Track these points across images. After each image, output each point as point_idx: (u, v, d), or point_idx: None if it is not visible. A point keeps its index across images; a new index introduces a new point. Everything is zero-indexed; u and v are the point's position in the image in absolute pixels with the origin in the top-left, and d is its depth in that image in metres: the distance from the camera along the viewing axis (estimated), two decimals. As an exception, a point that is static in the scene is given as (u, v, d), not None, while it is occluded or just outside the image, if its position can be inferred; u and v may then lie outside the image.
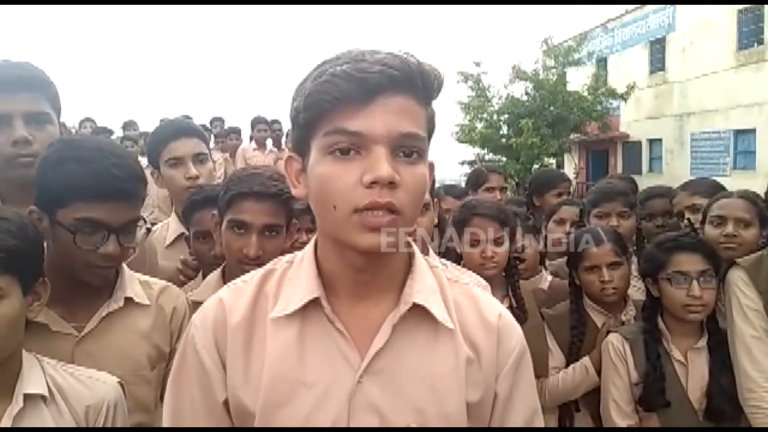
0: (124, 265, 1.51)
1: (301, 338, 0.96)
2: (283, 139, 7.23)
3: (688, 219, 2.50)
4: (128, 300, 1.45)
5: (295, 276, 1.00)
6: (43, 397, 1.20)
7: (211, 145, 5.77)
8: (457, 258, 2.16)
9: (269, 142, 7.31)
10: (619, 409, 2.00)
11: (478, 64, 18.86)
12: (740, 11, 16.66)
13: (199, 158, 2.25)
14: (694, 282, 1.92)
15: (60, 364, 1.28)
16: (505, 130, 19.07)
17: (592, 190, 2.78)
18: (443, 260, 1.96)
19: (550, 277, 2.55)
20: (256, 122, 7.20)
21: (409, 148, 0.89)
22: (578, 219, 2.81)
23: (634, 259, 2.45)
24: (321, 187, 0.89)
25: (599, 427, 2.12)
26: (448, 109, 19.63)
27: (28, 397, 1.18)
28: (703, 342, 2.00)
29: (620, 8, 22.26)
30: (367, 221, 0.86)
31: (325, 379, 0.94)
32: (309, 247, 1.02)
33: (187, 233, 2.12)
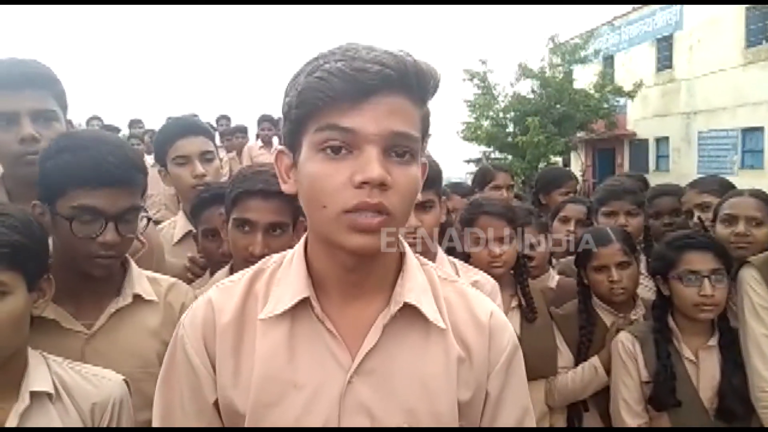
0: (132, 262, 1.51)
1: (291, 338, 0.95)
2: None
3: (699, 217, 2.47)
4: (136, 297, 1.45)
5: (284, 276, 0.99)
6: (49, 395, 1.20)
7: (217, 143, 5.76)
8: (465, 257, 2.15)
9: (275, 140, 7.31)
10: (629, 408, 1.98)
11: (484, 62, 18.81)
12: (748, 8, 16.56)
13: (206, 156, 2.24)
14: (706, 281, 1.90)
15: (65, 362, 1.28)
16: (511, 128, 19.02)
17: (600, 188, 2.75)
18: (452, 258, 1.96)
19: (557, 276, 2.54)
20: (262, 120, 7.21)
21: (402, 149, 0.88)
22: (584, 217, 2.80)
23: (643, 257, 2.43)
24: (311, 185, 0.88)
25: (609, 426, 2.10)
26: (454, 107, 19.62)
27: (34, 395, 1.18)
28: (714, 341, 1.98)
29: (627, 6, 22.20)
30: (357, 222, 0.85)
31: (315, 379, 0.93)
32: (299, 247, 1.01)
33: (194, 231, 2.12)
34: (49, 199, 1.35)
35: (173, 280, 1.60)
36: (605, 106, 18.78)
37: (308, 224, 0.98)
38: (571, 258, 2.49)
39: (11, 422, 1.14)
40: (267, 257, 1.07)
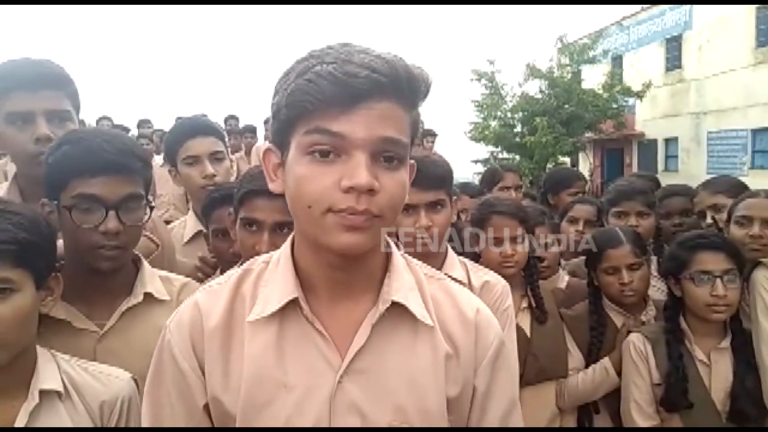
0: (145, 262, 1.52)
1: (280, 340, 0.95)
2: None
3: (714, 218, 2.45)
4: (148, 296, 1.45)
5: (272, 277, 0.99)
6: (58, 393, 1.20)
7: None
8: (474, 256, 2.14)
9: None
10: (640, 409, 1.97)
11: (492, 62, 18.79)
12: (759, 8, 16.45)
13: (216, 156, 2.25)
14: (718, 281, 1.89)
15: (74, 360, 1.28)
16: (519, 128, 18.99)
17: (611, 188, 2.73)
18: (462, 258, 1.95)
19: (567, 277, 2.53)
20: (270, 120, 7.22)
21: (391, 154, 0.88)
22: (593, 218, 2.78)
23: (654, 258, 2.42)
24: (298, 186, 0.88)
25: (619, 427, 2.09)
26: (462, 107, 19.62)
27: (43, 393, 1.18)
28: (726, 342, 1.96)
29: (636, 6, 22.11)
30: (344, 220, 0.86)
31: (305, 380, 0.93)
32: (285, 247, 1.01)
33: (204, 231, 2.13)
34: (54, 195, 1.36)
35: (186, 279, 1.60)
36: (614, 106, 18.73)
37: (295, 225, 0.98)
38: (581, 259, 2.48)
39: (21, 420, 1.14)
40: (254, 258, 1.06)
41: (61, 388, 1.20)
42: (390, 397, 0.94)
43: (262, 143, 7.30)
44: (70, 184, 1.34)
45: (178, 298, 1.51)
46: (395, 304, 0.96)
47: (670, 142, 20.71)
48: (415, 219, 1.78)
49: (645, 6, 21.66)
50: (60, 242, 1.36)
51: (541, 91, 18.90)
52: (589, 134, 19.82)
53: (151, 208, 1.48)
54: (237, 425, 0.93)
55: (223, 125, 8.10)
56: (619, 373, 2.07)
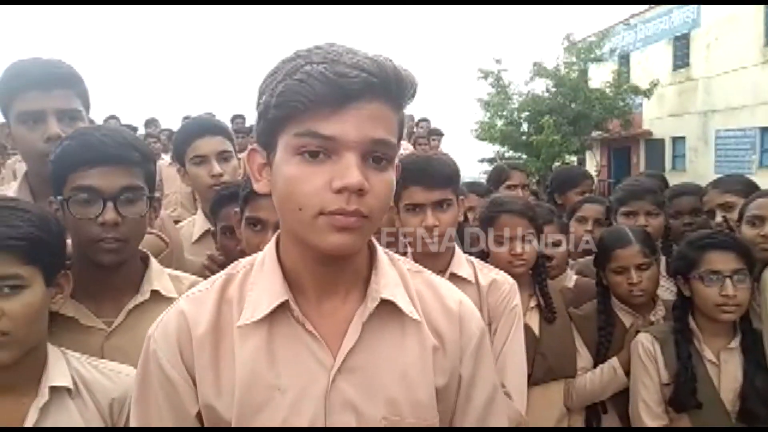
0: (153, 260, 1.52)
1: (271, 343, 0.95)
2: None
3: (724, 217, 2.44)
4: (156, 294, 1.45)
5: (258, 280, 0.99)
6: (68, 390, 1.21)
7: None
8: (481, 255, 2.14)
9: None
10: (648, 409, 1.97)
11: (498, 61, 18.77)
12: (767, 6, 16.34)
13: (224, 156, 2.26)
14: (728, 281, 1.88)
15: (84, 357, 1.29)
16: (525, 127, 18.94)
17: (619, 187, 2.72)
18: (470, 257, 1.95)
19: (575, 276, 2.52)
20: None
21: (379, 155, 0.89)
22: (602, 217, 2.77)
23: (663, 258, 2.41)
24: (287, 187, 0.88)
25: (628, 427, 2.09)
26: (468, 106, 19.61)
27: (53, 390, 1.19)
28: (736, 342, 1.95)
29: (643, 4, 22.00)
30: (334, 221, 0.86)
31: (298, 382, 0.94)
32: (270, 249, 1.01)
33: (213, 229, 2.14)
34: (58, 192, 1.37)
35: (196, 278, 1.60)
36: (621, 105, 18.65)
37: (281, 225, 0.98)
38: (589, 258, 2.48)
39: (31, 417, 1.15)
40: (237, 261, 1.06)
41: (71, 385, 1.21)
42: (382, 392, 0.96)
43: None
44: (69, 178, 1.35)
45: None
46: (383, 301, 0.97)
47: (678, 141, 20.60)
48: (421, 218, 1.79)
49: (652, 4, 21.56)
50: (69, 241, 1.36)
51: (547, 90, 18.85)
52: (595, 133, 19.74)
53: (150, 200, 1.46)
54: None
55: (230, 125, 8.12)
56: (627, 373, 2.06)
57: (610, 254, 2.19)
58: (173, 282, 1.51)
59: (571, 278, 2.49)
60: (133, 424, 0.99)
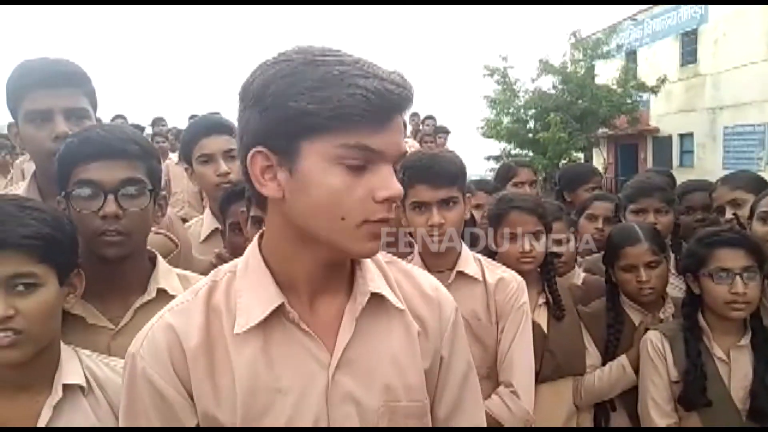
0: (161, 259, 1.53)
1: (267, 347, 0.95)
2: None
3: (734, 214, 2.42)
4: (163, 293, 1.45)
5: (245, 285, 0.98)
6: (81, 388, 1.22)
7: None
8: (489, 253, 2.13)
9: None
10: (657, 407, 1.95)
11: (504, 58, 18.69)
12: (776, 2, 16.21)
13: (230, 154, 2.26)
14: (737, 278, 1.86)
15: (96, 355, 1.30)
16: (531, 124, 18.89)
17: (628, 185, 2.70)
18: (477, 255, 1.95)
19: (583, 274, 2.51)
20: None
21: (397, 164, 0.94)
22: (612, 215, 2.76)
23: (672, 255, 2.39)
24: (329, 197, 0.89)
25: (637, 426, 2.08)
26: (474, 103, 19.57)
27: (67, 388, 1.20)
28: (746, 340, 1.94)
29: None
30: (375, 230, 0.92)
31: (299, 382, 0.95)
32: (253, 253, 1.01)
33: (221, 227, 2.15)
34: (63, 189, 1.39)
35: (205, 278, 1.61)
36: (628, 101, 18.58)
37: (292, 230, 0.95)
38: (598, 255, 2.46)
39: (45, 415, 1.16)
40: (217, 269, 1.06)
41: (84, 383, 1.22)
42: (378, 380, 0.99)
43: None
44: (71, 174, 1.37)
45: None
46: (371, 294, 1.01)
47: (685, 137, 20.48)
48: (427, 217, 1.79)
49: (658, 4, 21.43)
50: None
51: (554, 87, 18.78)
52: (602, 130, 19.67)
53: (154, 195, 1.46)
54: None
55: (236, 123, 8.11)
56: (636, 371, 2.05)
57: (619, 252, 2.18)
58: (181, 281, 1.51)
59: (579, 276, 2.48)
60: None
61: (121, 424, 0.98)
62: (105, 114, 7.24)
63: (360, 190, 0.89)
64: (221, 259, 2.08)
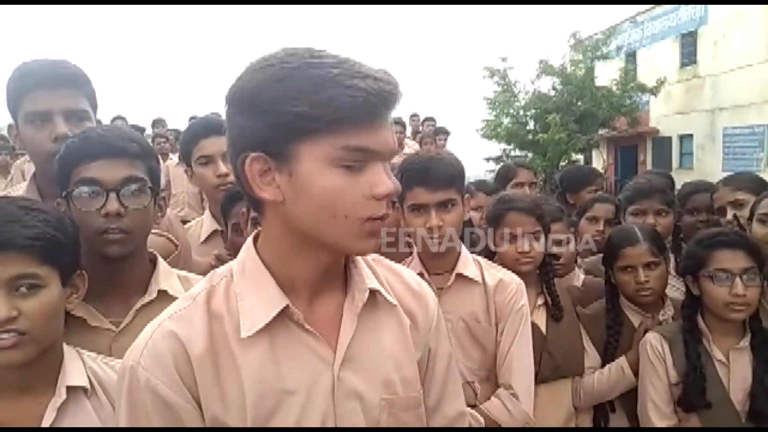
0: (161, 260, 1.53)
1: (273, 349, 0.96)
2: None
3: (735, 215, 2.42)
4: (164, 293, 1.45)
5: (245, 289, 0.98)
6: (84, 390, 1.22)
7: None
8: (488, 254, 2.13)
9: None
10: (657, 409, 1.95)
11: (504, 59, 18.69)
12: (776, 2, 16.22)
13: None
14: (737, 280, 1.86)
15: (99, 357, 1.30)
16: (531, 125, 18.88)
17: (628, 186, 2.71)
18: (476, 256, 1.94)
19: (582, 275, 2.51)
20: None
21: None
22: (613, 216, 2.76)
23: (672, 257, 2.39)
24: (330, 198, 0.90)
25: (636, 427, 2.08)
26: (474, 104, 19.59)
27: (70, 390, 1.20)
28: (745, 342, 1.94)
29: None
30: (374, 228, 0.93)
31: (305, 382, 0.97)
32: (249, 255, 1.01)
33: (221, 229, 2.15)
34: (64, 189, 1.39)
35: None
36: (627, 102, 18.56)
37: (290, 232, 0.96)
38: (598, 257, 2.46)
39: (49, 416, 1.16)
40: (213, 272, 1.06)
41: (87, 385, 1.22)
42: (379, 375, 1.02)
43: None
44: (72, 174, 1.37)
45: None
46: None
47: (685, 139, 20.49)
48: (425, 219, 1.78)
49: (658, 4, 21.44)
50: None
51: (553, 88, 18.77)
52: (602, 131, 19.66)
53: (154, 193, 1.47)
54: None
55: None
56: (635, 373, 2.05)
57: (617, 253, 2.18)
58: (182, 282, 1.51)
59: (579, 277, 2.48)
60: None
61: None
62: (105, 115, 7.25)
63: (359, 188, 0.90)
64: (220, 261, 2.08)
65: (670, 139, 21.06)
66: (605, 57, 18.71)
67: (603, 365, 2.15)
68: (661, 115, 21.09)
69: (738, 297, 1.86)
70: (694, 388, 1.88)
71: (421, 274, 1.73)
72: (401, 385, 1.04)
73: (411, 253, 1.98)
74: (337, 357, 0.98)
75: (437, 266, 1.87)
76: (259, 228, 1.03)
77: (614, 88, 18.40)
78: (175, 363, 0.93)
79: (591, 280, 2.45)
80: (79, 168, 1.37)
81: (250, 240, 1.04)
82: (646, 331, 2.07)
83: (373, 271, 1.09)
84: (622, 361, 2.10)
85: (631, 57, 22.26)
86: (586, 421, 2.20)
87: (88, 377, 1.24)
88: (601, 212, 2.80)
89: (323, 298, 1.02)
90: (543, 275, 2.14)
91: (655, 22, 21.56)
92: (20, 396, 1.19)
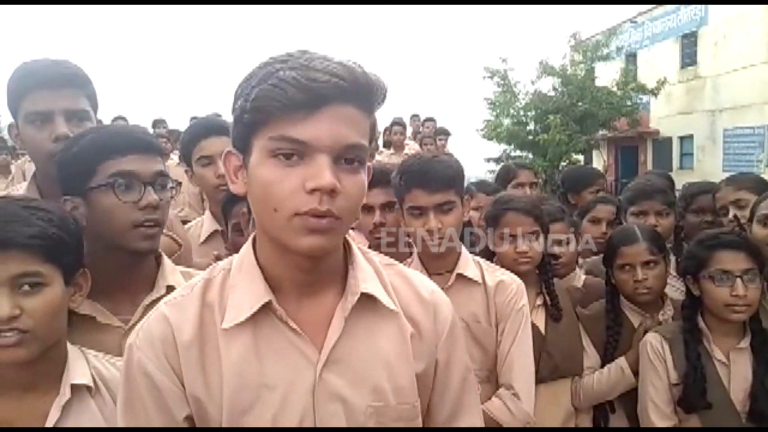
0: (165, 257, 1.54)
1: (256, 343, 0.97)
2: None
3: (735, 216, 2.42)
4: (170, 289, 1.46)
5: (237, 282, 1.01)
6: (88, 388, 1.23)
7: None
8: (488, 255, 2.13)
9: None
10: (657, 409, 1.95)
11: (504, 60, 18.69)
12: (776, 3, 16.21)
13: None
14: (738, 281, 1.86)
15: (102, 356, 1.31)
16: (531, 126, 18.87)
17: (629, 187, 2.71)
18: (477, 257, 1.94)
19: (584, 276, 2.51)
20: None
21: (351, 157, 0.92)
22: (614, 217, 2.76)
23: (673, 257, 2.39)
24: (263, 189, 0.91)
25: (636, 427, 2.07)
26: (474, 105, 19.59)
27: (74, 388, 1.21)
28: (745, 342, 1.94)
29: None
30: (308, 223, 0.89)
31: (285, 378, 0.97)
32: (246, 251, 1.04)
33: (221, 229, 2.15)
34: (79, 184, 1.38)
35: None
36: (628, 103, 18.56)
37: (258, 227, 1.00)
38: (598, 257, 2.46)
39: (53, 415, 1.17)
40: (214, 265, 1.08)
41: (91, 383, 1.23)
42: (367, 380, 1.00)
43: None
44: (101, 167, 1.37)
45: None
46: (362, 295, 1.01)
47: (685, 139, 20.49)
48: (424, 221, 1.78)
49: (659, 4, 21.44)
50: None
51: (554, 89, 18.76)
52: (602, 132, 19.66)
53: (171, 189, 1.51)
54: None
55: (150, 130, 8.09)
56: (635, 373, 2.05)
57: (616, 251, 2.19)
58: (185, 278, 1.52)
59: (580, 278, 2.48)
60: None
61: (118, 412, 1.00)
62: (105, 115, 7.25)
63: (291, 181, 0.89)
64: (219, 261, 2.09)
65: (670, 139, 21.07)
66: (606, 58, 18.71)
67: (603, 365, 2.15)
68: (662, 115, 21.10)
69: (738, 298, 1.86)
70: (694, 388, 1.89)
71: None
72: (393, 394, 1.01)
73: (411, 254, 1.98)
74: (321, 357, 0.98)
75: (437, 267, 1.87)
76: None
77: (615, 89, 18.40)
78: (163, 346, 0.97)
79: (592, 281, 2.45)
80: (111, 161, 1.37)
81: (252, 236, 1.06)
82: (645, 332, 2.07)
83: (379, 275, 1.07)
84: (621, 361, 2.10)
85: (632, 58, 22.27)
86: (586, 422, 2.20)
87: (92, 376, 1.24)
88: (603, 213, 2.80)
89: (316, 298, 1.01)
90: (542, 275, 2.14)
91: (656, 23, 21.57)
92: (24, 394, 1.19)
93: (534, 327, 2.00)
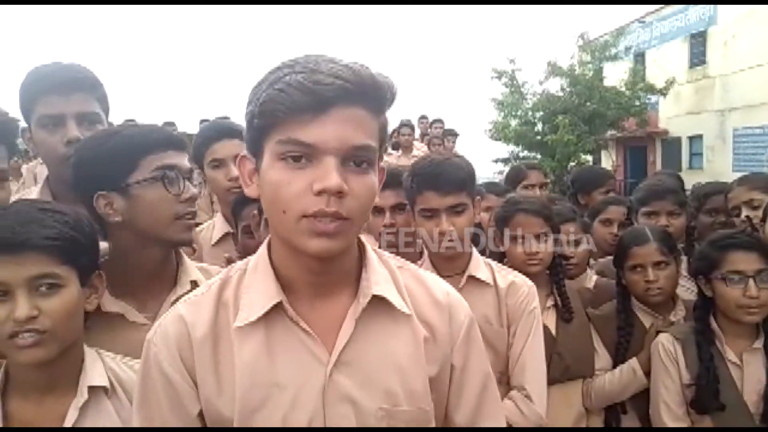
0: (184, 254, 1.56)
1: (268, 343, 0.99)
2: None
3: (747, 217, 2.40)
4: (194, 284, 1.48)
5: (252, 282, 1.03)
6: (105, 390, 1.24)
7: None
8: (499, 256, 2.13)
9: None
10: (669, 411, 1.95)
11: (512, 61, 18.65)
12: (786, 2, 16.10)
13: None
14: (751, 281, 1.85)
15: (119, 357, 1.32)
16: (540, 126, 18.81)
17: (640, 187, 2.70)
18: (487, 259, 1.94)
19: (595, 277, 2.50)
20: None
21: (360, 158, 0.92)
22: (626, 218, 2.75)
23: (684, 258, 2.38)
24: (272, 191, 0.92)
25: (648, 427, 2.06)
26: (482, 106, 19.55)
27: (91, 390, 1.22)
28: (759, 343, 1.92)
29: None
30: (315, 227, 0.90)
31: (296, 378, 0.98)
32: (262, 252, 1.05)
33: (233, 231, 2.16)
34: (118, 179, 1.38)
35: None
36: (636, 103, 18.49)
37: (271, 229, 1.01)
38: (610, 258, 2.46)
39: (71, 416, 1.19)
40: (231, 265, 1.10)
41: (107, 385, 1.24)
42: (378, 383, 1.00)
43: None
44: (143, 162, 1.38)
45: None
46: (375, 297, 1.01)
47: (695, 139, 20.38)
48: (436, 223, 1.78)
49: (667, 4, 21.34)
50: (104, 244, 1.39)
51: (562, 89, 18.70)
52: (611, 132, 19.59)
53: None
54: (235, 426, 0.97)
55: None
56: (647, 374, 2.05)
57: (627, 252, 2.18)
58: (203, 274, 1.55)
59: (591, 279, 2.47)
60: (136, 425, 1.03)
61: (134, 405, 1.03)
62: (116, 118, 7.28)
63: (299, 183, 0.90)
64: (231, 264, 2.10)
65: (679, 139, 20.96)
66: (614, 58, 18.64)
67: (614, 367, 2.15)
68: (671, 115, 21.00)
69: (752, 299, 1.85)
70: (707, 389, 1.88)
71: None
72: (406, 397, 1.01)
73: (422, 254, 1.98)
74: (331, 358, 0.98)
75: (448, 268, 1.87)
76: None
77: (623, 89, 18.32)
78: (178, 343, 0.99)
79: (603, 282, 2.44)
80: (149, 158, 1.39)
81: (268, 239, 1.07)
82: (657, 333, 2.06)
83: (394, 277, 1.07)
84: (633, 362, 2.09)
85: (640, 57, 22.18)
86: (598, 423, 2.19)
87: (109, 377, 1.26)
88: (614, 214, 2.79)
89: (327, 300, 1.02)
90: (553, 276, 2.14)
91: (664, 23, 21.47)
92: (43, 396, 1.21)
93: (545, 328, 2.00)
